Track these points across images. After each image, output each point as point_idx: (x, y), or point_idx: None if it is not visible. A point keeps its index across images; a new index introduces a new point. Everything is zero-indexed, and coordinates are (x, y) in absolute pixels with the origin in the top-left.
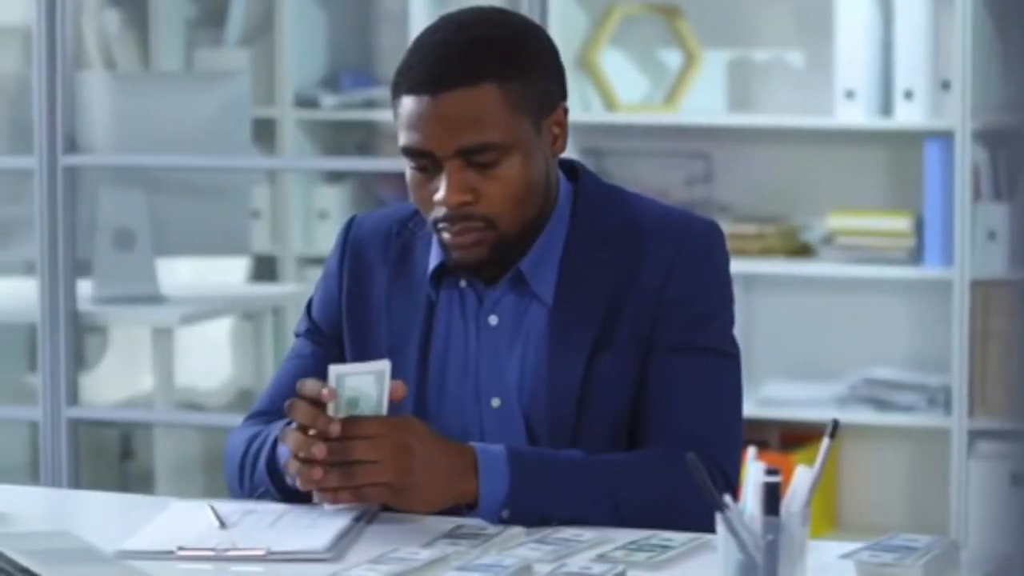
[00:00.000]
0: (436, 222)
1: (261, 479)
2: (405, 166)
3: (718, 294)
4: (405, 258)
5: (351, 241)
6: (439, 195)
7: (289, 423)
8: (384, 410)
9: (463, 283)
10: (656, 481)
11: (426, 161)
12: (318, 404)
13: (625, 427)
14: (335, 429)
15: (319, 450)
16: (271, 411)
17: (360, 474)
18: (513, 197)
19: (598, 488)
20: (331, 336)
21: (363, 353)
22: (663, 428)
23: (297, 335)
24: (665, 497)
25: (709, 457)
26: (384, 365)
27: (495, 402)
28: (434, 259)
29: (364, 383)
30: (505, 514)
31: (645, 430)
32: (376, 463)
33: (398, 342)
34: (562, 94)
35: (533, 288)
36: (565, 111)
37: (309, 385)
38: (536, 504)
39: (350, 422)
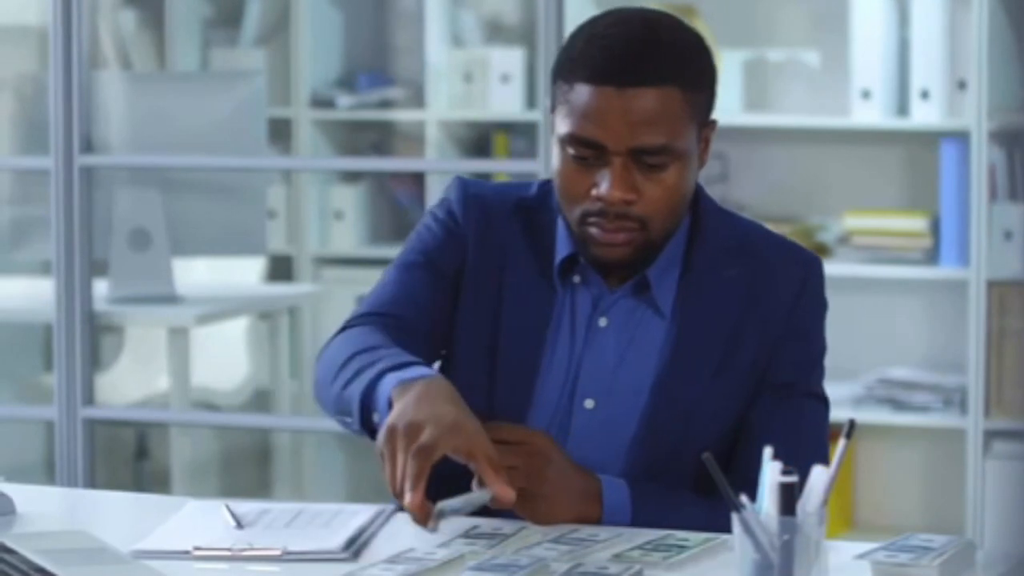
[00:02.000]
0: (586, 215)
1: (350, 405)
2: (556, 151)
3: (822, 336)
4: (533, 243)
5: (473, 198)
6: (602, 189)
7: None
8: None
9: (576, 279)
10: None
11: (591, 152)
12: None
13: (722, 452)
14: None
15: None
16: (378, 313)
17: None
18: (669, 203)
19: (716, 528)
20: (447, 274)
21: (477, 316)
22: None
23: (400, 260)
24: None
25: None
26: (485, 496)
27: (588, 403)
28: (563, 250)
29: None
30: None
31: (740, 466)
32: (513, 468)
33: (514, 326)
34: (714, 108)
35: (654, 296)
36: (715, 126)
37: (414, 514)
38: None
39: (492, 427)
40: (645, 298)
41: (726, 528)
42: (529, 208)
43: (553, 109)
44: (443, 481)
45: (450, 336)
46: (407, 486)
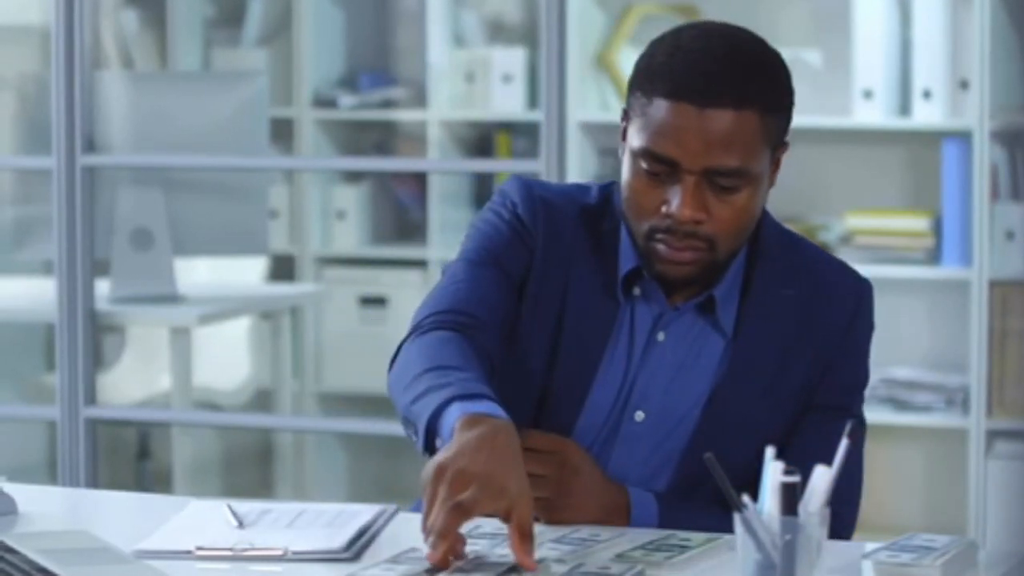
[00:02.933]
0: (654, 230)
1: (416, 422)
2: (627, 163)
3: (868, 361)
4: (597, 252)
5: (539, 201)
6: (673, 207)
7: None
8: None
9: (637, 291)
10: None
11: (665, 169)
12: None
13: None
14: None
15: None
16: (453, 311)
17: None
18: (738, 225)
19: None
20: (513, 276)
21: (538, 321)
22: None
23: (462, 258)
24: None
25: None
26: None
27: (639, 416)
28: (627, 263)
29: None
30: None
31: None
32: (542, 477)
33: (575, 336)
34: (788, 131)
35: (719, 315)
36: (787, 148)
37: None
38: None
39: (525, 433)
40: (708, 316)
41: None
42: (593, 215)
43: (625, 117)
44: None
45: (511, 337)
46: (432, 541)
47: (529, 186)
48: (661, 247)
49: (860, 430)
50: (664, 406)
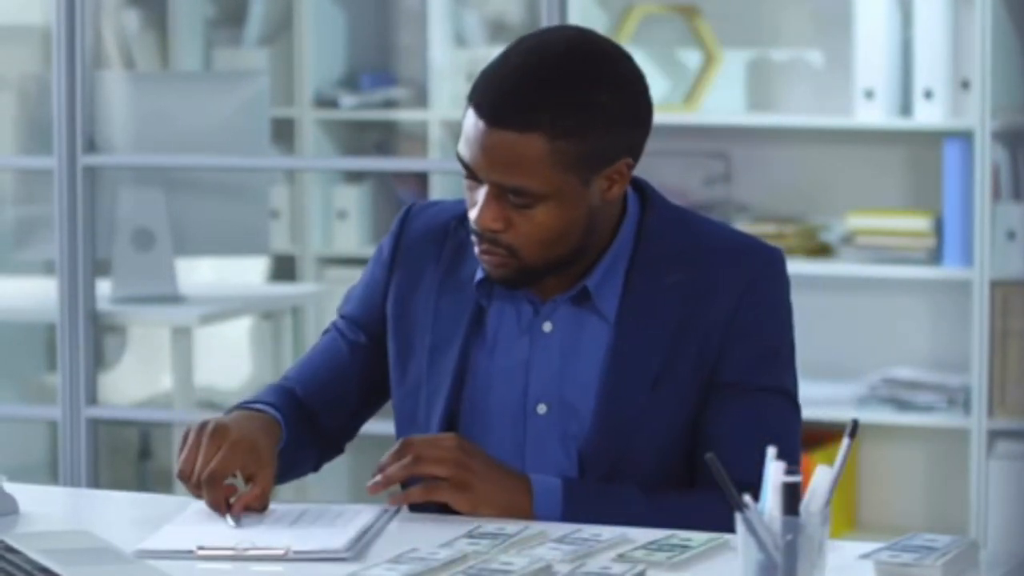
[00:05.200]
0: (471, 231)
1: None
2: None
3: (781, 328)
4: (459, 257)
5: (406, 233)
6: (473, 213)
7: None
8: None
9: (500, 290)
10: (712, 522)
11: (472, 174)
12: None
13: (675, 458)
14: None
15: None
16: (296, 381)
17: (423, 466)
18: (540, 239)
19: (651, 525)
20: (364, 325)
21: (405, 348)
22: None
23: (339, 313)
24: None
25: None
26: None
27: (541, 408)
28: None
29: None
30: None
31: (702, 469)
32: (438, 460)
33: (440, 342)
34: (628, 148)
35: (596, 304)
36: (628, 166)
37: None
38: None
39: (406, 440)
40: (587, 305)
41: (672, 526)
42: (463, 224)
43: None
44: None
45: (402, 376)
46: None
47: (404, 216)
48: (476, 248)
49: (777, 402)
50: (561, 396)
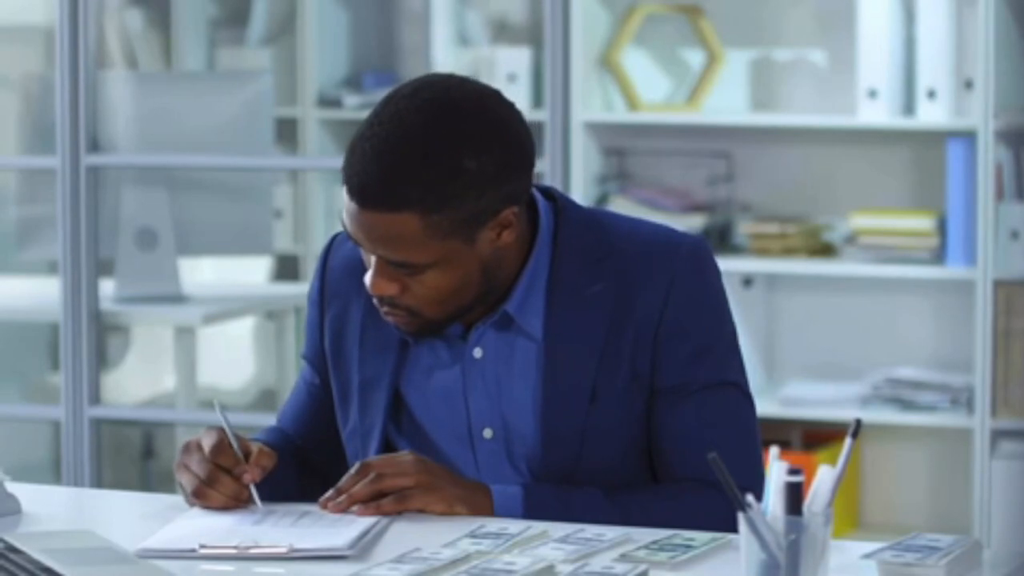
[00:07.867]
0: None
1: None
2: None
3: (715, 319)
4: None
5: (329, 269)
6: (367, 279)
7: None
8: None
9: None
10: (675, 517)
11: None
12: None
13: (631, 462)
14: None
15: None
16: (284, 420)
17: (387, 481)
18: (438, 299)
19: (615, 523)
20: (316, 364)
21: (343, 386)
22: (678, 474)
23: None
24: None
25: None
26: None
27: (487, 433)
28: None
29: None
30: None
31: (661, 473)
32: (401, 472)
33: (370, 377)
34: (508, 199)
35: (521, 325)
36: (515, 213)
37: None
38: None
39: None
40: (511, 327)
41: (634, 524)
42: None
43: None
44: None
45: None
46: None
47: (327, 249)
48: (381, 311)
49: (726, 395)
50: (503, 419)
